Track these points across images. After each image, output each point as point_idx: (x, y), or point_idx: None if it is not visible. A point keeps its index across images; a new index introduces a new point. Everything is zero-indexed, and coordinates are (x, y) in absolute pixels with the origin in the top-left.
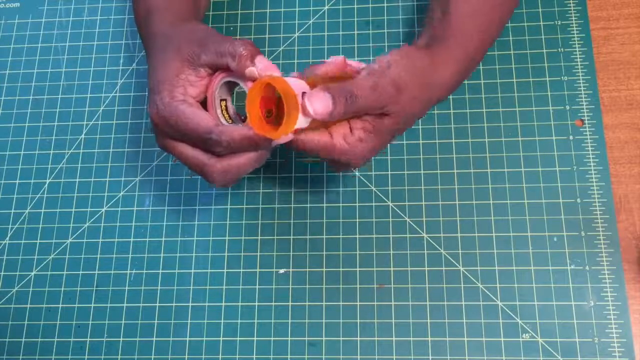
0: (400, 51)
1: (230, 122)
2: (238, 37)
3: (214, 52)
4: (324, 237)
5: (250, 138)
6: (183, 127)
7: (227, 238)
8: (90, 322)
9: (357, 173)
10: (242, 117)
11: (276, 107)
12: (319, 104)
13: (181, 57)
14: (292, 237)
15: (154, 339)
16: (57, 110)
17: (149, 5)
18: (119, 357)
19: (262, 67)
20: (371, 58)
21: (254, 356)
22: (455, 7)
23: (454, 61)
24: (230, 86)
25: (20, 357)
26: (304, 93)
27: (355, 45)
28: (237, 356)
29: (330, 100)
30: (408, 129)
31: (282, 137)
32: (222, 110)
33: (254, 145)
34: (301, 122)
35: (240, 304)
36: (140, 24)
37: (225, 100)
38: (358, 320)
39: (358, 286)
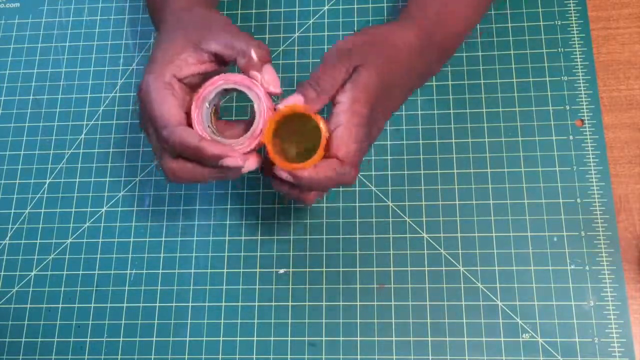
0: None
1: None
2: None
3: (224, 43)
4: (324, 237)
5: (195, 148)
6: (149, 112)
7: (227, 238)
8: (90, 322)
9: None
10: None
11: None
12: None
13: (188, 38)
14: (292, 237)
15: (154, 339)
16: (57, 110)
17: None
18: (119, 357)
19: (267, 79)
20: None
21: (254, 356)
22: None
23: (414, 35)
24: (222, 93)
25: (20, 357)
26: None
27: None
28: (237, 356)
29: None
30: (407, 129)
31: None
32: (211, 114)
33: (198, 157)
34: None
35: (240, 304)
36: (154, 6)
37: (215, 106)
38: (358, 320)
39: (358, 286)
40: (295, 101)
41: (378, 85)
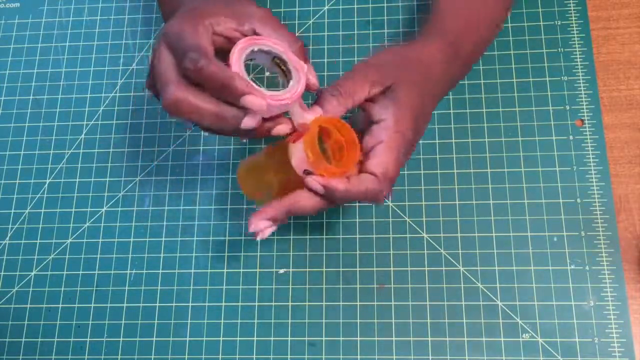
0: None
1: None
2: None
3: (269, 30)
4: (324, 237)
5: (225, 78)
6: (181, 40)
7: (227, 238)
8: (90, 322)
9: None
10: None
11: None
12: (328, 105)
13: (229, 6)
14: (292, 237)
15: (154, 339)
16: (57, 110)
17: None
18: (119, 357)
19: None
20: None
21: (254, 356)
22: (439, 4)
23: (437, 50)
24: (252, 55)
25: (20, 357)
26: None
27: (355, 45)
28: (237, 356)
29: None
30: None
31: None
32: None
33: (222, 87)
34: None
35: (240, 304)
36: None
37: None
38: (358, 320)
39: (358, 286)
40: (316, 112)
41: (419, 105)
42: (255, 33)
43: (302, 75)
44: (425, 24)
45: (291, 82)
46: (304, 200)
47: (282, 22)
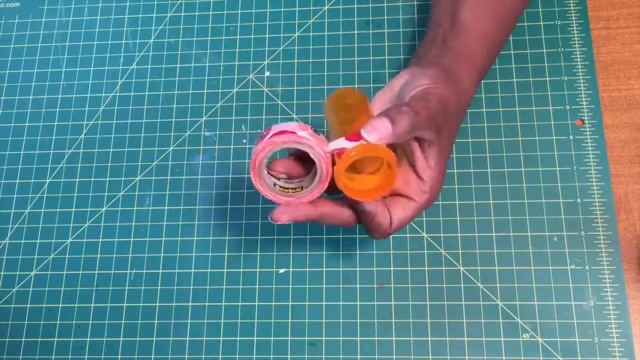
0: (426, 76)
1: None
2: (239, 38)
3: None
4: (324, 237)
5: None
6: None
7: (227, 238)
8: (90, 322)
9: None
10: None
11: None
12: (378, 129)
13: None
14: (292, 237)
15: (154, 339)
16: (57, 110)
17: None
18: (119, 357)
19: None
20: (371, 58)
21: (254, 356)
22: (463, 18)
23: (473, 71)
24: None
25: (20, 357)
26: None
27: (356, 45)
28: (237, 356)
29: (388, 121)
30: None
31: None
32: (267, 173)
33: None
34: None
35: (240, 304)
36: None
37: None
38: (358, 320)
39: (358, 286)
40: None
41: (451, 142)
42: None
43: (321, 159)
44: (451, 36)
45: (315, 179)
46: (343, 215)
47: (283, 22)
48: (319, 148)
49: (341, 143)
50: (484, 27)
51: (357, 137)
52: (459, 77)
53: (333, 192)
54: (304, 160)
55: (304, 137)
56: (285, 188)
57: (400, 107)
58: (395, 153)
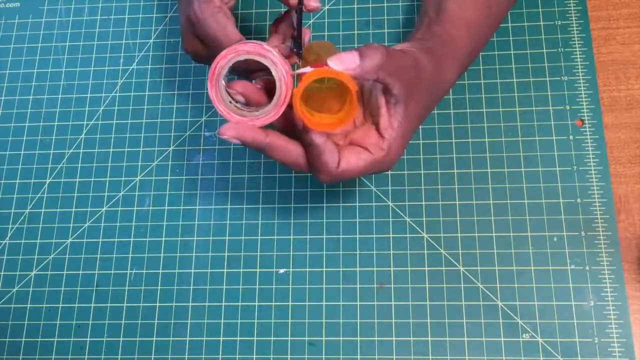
0: (407, 44)
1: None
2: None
3: None
4: (324, 237)
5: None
6: (212, 34)
7: (227, 238)
8: (90, 322)
9: None
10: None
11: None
12: (344, 59)
13: None
14: (292, 237)
15: (154, 339)
16: (57, 110)
17: None
18: (119, 357)
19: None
20: None
21: (254, 356)
22: (448, 6)
23: (455, 58)
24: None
25: (20, 357)
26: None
27: (356, 45)
28: (237, 356)
29: (357, 54)
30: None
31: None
32: (225, 87)
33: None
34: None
35: (240, 304)
36: None
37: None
38: (358, 320)
39: (358, 286)
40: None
41: (419, 114)
42: None
43: (278, 69)
44: (435, 23)
45: (272, 101)
46: (291, 151)
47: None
48: (282, 66)
49: (306, 70)
50: (469, 15)
51: (324, 66)
52: (440, 57)
53: (291, 134)
54: (266, 90)
55: (269, 50)
56: (240, 108)
57: (373, 44)
58: (362, 103)
